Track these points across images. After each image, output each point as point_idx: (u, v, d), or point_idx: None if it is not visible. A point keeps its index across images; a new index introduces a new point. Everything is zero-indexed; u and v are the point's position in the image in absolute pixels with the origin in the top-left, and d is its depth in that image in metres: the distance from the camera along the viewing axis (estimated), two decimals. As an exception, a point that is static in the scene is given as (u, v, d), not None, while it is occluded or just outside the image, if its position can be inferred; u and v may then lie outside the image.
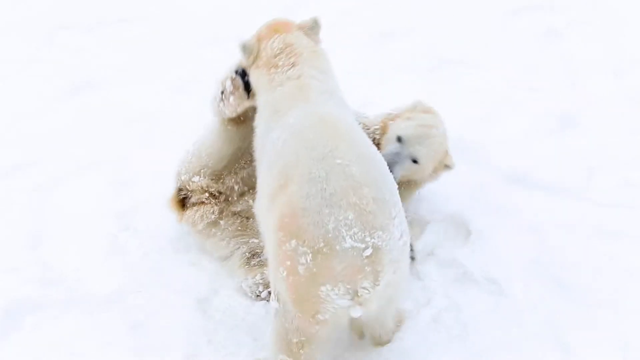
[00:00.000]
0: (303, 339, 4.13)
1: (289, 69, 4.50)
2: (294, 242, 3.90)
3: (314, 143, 4.04)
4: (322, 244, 3.87)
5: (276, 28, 4.69)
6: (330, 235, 3.87)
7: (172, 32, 8.39)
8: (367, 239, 3.90)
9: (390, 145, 5.15)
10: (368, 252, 3.90)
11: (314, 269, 3.90)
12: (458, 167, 5.46)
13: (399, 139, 5.13)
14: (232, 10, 8.65)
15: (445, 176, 5.48)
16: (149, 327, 4.83)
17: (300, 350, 4.16)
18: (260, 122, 4.53)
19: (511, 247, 5.31)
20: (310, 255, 3.88)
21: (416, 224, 5.45)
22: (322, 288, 3.93)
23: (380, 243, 3.93)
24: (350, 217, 3.88)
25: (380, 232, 3.93)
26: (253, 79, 4.71)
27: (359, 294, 3.95)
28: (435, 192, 5.80)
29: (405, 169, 5.13)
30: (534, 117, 6.73)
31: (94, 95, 7.33)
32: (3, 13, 8.95)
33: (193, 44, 8.10)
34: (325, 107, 4.33)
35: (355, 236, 3.88)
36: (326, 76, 4.59)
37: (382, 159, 4.29)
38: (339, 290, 3.93)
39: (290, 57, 4.55)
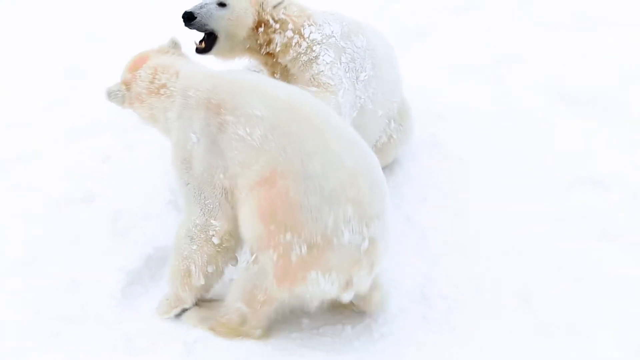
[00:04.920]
0: (268, 299, 4.23)
1: (177, 77, 4.45)
2: (289, 234, 4.03)
3: (301, 138, 4.08)
4: (319, 239, 4.01)
5: (135, 66, 4.59)
6: (329, 231, 4.01)
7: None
8: (365, 230, 4.06)
9: None
10: (365, 245, 4.08)
11: (308, 259, 4.05)
12: (593, 125, 5.51)
13: None
14: None
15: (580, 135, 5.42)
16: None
17: (260, 307, 4.26)
18: (185, 128, 4.36)
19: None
20: (305, 247, 4.03)
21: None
22: (313, 273, 4.08)
23: (376, 233, 4.10)
24: (349, 212, 4.02)
25: (377, 221, 4.09)
26: (143, 112, 4.61)
27: (353, 282, 4.16)
28: (574, 150, 5.80)
29: (217, 18, 4.93)
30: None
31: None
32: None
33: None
34: (267, 85, 4.33)
35: (354, 229, 4.03)
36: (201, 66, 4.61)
37: (355, 132, 4.33)
38: (330, 278, 4.10)
39: (169, 70, 4.49)
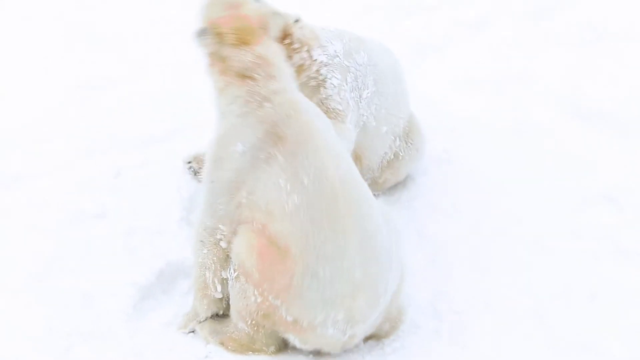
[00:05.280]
0: (256, 323, 4.22)
1: (270, 82, 4.24)
2: (279, 301, 4.07)
3: (324, 238, 4.02)
4: (305, 323, 4.09)
5: (251, 40, 4.30)
6: (316, 322, 4.08)
7: None
8: (348, 330, 4.14)
9: None
10: (344, 339, 4.19)
11: (289, 326, 4.13)
12: (606, 141, 5.60)
13: None
14: None
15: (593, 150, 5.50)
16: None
17: (257, 329, 4.25)
18: (238, 132, 4.21)
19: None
20: (290, 319, 4.10)
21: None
22: (290, 335, 4.21)
23: (358, 332, 4.20)
24: (340, 317, 4.08)
25: (362, 324, 4.17)
26: (217, 80, 4.35)
27: (325, 351, 4.32)
28: (587, 166, 5.81)
29: None
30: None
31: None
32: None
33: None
34: (329, 153, 4.12)
35: (338, 328, 4.12)
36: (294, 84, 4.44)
37: (387, 228, 4.27)
38: (303, 345, 4.25)
39: (268, 69, 4.27)
